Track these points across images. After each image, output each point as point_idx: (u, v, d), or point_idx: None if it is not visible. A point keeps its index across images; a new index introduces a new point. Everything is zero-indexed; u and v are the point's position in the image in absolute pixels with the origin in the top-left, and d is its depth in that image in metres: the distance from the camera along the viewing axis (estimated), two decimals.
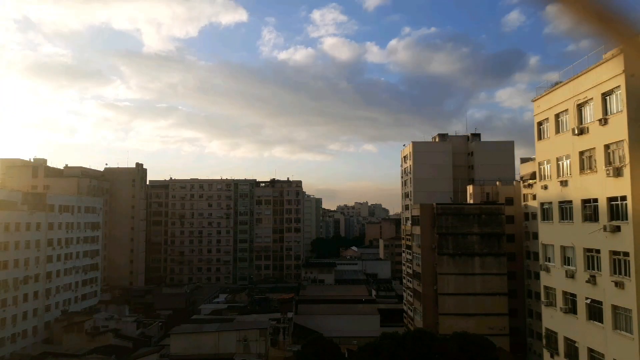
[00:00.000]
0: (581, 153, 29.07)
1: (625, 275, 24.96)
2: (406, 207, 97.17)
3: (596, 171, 27.33)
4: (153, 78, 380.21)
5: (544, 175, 34.55)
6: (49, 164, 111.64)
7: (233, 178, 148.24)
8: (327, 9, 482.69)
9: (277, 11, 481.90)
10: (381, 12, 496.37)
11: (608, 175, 25.74)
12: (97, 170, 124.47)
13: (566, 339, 31.07)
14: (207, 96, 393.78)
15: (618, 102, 25.42)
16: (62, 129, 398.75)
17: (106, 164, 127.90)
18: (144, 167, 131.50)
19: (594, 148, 27.63)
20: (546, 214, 34.28)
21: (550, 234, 33.57)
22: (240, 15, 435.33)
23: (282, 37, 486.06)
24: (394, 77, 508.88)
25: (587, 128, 28.25)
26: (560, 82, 32.05)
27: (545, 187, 34.00)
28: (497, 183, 78.80)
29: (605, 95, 26.56)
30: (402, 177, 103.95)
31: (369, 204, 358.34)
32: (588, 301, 28.31)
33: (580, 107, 29.38)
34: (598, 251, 27.38)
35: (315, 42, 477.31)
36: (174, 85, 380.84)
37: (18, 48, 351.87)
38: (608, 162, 26.19)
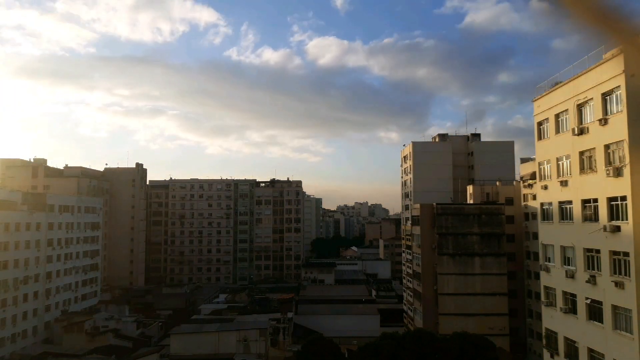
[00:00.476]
0: (581, 153, 29.06)
1: (625, 275, 24.96)
2: (406, 207, 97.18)
3: (596, 171, 27.33)
4: (143, 81, 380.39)
5: (544, 176, 34.55)
6: (49, 164, 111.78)
7: (233, 178, 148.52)
8: (305, 13, 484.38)
9: (256, 18, 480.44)
10: (359, 17, 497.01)
11: (608, 175, 25.74)
12: (97, 170, 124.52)
13: (566, 339, 31.08)
14: (195, 98, 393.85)
15: (618, 102, 25.42)
16: (59, 130, 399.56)
17: (106, 164, 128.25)
18: (144, 167, 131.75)
19: (594, 148, 27.62)
20: (546, 214, 34.28)
21: (550, 234, 33.57)
22: (218, 21, 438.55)
23: (265, 42, 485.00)
24: (381, 80, 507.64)
25: (587, 128, 28.25)
26: (560, 82, 32.06)
27: (545, 187, 34.00)
28: (497, 183, 78.80)
29: (605, 95, 26.56)
30: (402, 177, 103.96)
31: (369, 204, 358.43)
32: (588, 301, 28.31)
33: (580, 107, 29.38)
34: (598, 251, 27.38)
35: (299, 45, 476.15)
36: (164, 88, 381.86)
37: (2, 50, 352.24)
38: (608, 162, 26.18)
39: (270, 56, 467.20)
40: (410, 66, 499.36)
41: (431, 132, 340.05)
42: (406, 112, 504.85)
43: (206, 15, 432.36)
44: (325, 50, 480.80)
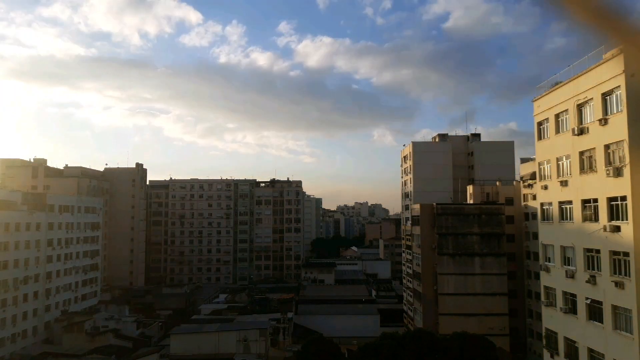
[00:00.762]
0: (581, 153, 29.05)
1: (625, 275, 24.95)
2: (406, 207, 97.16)
3: (596, 171, 27.32)
4: (138, 83, 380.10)
5: (544, 176, 34.53)
6: (49, 164, 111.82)
7: (233, 178, 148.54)
8: (293, 15, 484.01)
9: (244, 20, 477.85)
10: (348, 18, 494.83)
11: (608, 175, 25.73)
12: (97, 170, 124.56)
13: (566, 339, 31.07)
14: (189, 100, 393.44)
15: (618, 102, 25.41)
16: (57, 130, 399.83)
17: (106, 164, 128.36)
18: (144, 167, 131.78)
19: (594, 148, 27.61)
20: (546, 214, 34.26)
21: (550, 234, 33.56)
22: (205, 23, 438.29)
23: (254, 44, 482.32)
24: (370, 82, 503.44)
25: (587, 128, 28.24)
26: (560, 82, 32.05)
27: (545, 187, 33.99)
28: (497, 183, 78.79)
29: (605, 95, 26.54)
30: (402, 177, 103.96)
31: (369, 204, 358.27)
32: (588, 301, 28.30)
33: (580, 107, 29.37)
34: (598, 251, 27.37)
35: (287, 47, 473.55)
36: (157, 90, 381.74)
37: None
38: (608, 162, 26.17)
39: (260, 57, 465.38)
40: (400, 67, 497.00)
41: (423, 134, 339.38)
42: (396, 114, 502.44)
43: (193, 17, 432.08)
44: (314, 52, 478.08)
